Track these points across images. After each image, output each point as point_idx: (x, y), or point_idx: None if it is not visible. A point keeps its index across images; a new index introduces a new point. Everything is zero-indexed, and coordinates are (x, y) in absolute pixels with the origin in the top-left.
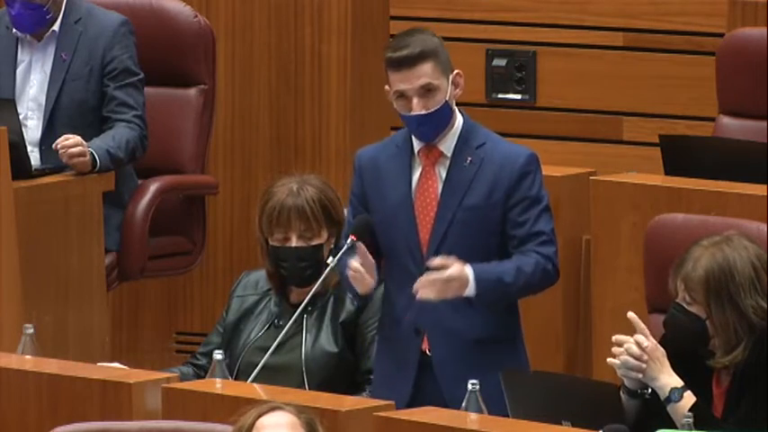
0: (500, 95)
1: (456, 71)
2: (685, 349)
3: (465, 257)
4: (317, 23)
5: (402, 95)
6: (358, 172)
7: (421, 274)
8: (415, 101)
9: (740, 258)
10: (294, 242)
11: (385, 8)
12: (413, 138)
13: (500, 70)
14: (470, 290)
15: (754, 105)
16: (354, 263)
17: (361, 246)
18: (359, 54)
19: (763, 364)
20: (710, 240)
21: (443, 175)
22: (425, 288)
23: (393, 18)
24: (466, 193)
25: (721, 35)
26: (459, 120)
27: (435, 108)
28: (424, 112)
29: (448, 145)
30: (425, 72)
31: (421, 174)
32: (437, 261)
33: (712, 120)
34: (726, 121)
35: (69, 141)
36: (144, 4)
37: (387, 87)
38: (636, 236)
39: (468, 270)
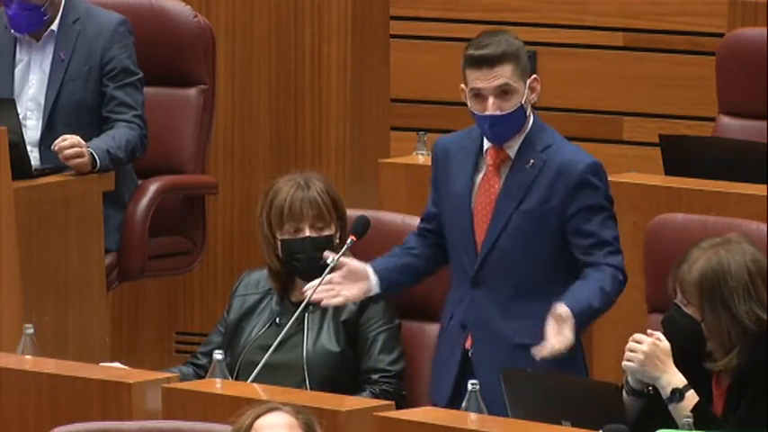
0: None
1: (533, 76)
2: (684, 349)
3: (517, 261)
4: (317, 23)
5: (478, 94)
6: (434, 160)
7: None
8: (490, 101)
9: (735, 262)
10: (307, 233)
11: (385, 8)
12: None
13: None
14: None
15: (754, 105)
16: (336, 277)
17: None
18: (359, 54)
19: (763, 365)
20: (710, 242)
21: (505, 175)
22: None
23: (393, 18)
24: (524, 197)
25: (721, 35)
26: (528, 122)
27: (510, 110)
28: (498, 113)
29: (513, 147)
30: (505, 73)
31: (485, 173)
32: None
33: (712, 120)
34: (726, 121)
35: (66, 142)
36: (144, 4)
37: (462, 86)
38: (636, 236)
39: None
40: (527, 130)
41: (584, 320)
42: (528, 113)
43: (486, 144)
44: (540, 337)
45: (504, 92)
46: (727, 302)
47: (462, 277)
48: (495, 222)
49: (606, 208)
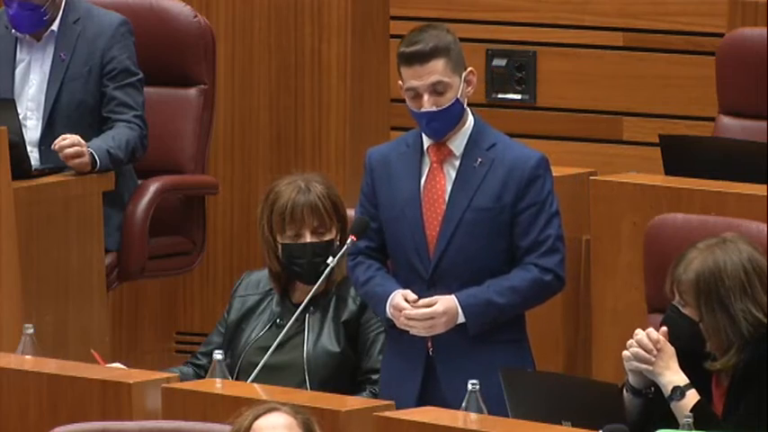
0: (500, 95)
1: (469, 69)
2: (684, 350)
3: (472, 258)
4: (317, 23)
5: (413, 92)
6: (368, 170)
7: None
8: (425, 97)
9: (731, 262)
10: (308, 238)
11: (385, 8)
12: (423, 135)
13: (500, 70)
14: (460, 318)
15: (754, 105)
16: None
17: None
18: (359, 54)
19: (763, 365)
20: (706, 243)
21: (452, 174)
22: (415, 326)
23: (393, 18)
24: (475, 193)
25: (721, 35)
26: (470, 119)
27: (446, 105)
28: (434, 108)
29: (458, 144)
30: (437, 69)
31: (429, 171)
32: (422, 302)
33: (712, 120)
34: (726, 121)
35: (66, 142)
36: (144, 4)
37: (400, 83)
38: (636, 236)
39: (455, 301)
40: (471, 128)
41: (477, 313)
42: (465, 107)
43: (427, 142)
44: (497, 332)
45: (438, 88)
46: (723, 302)
47: (415, 279)
48: (447, 220)
49: (551, 204)
